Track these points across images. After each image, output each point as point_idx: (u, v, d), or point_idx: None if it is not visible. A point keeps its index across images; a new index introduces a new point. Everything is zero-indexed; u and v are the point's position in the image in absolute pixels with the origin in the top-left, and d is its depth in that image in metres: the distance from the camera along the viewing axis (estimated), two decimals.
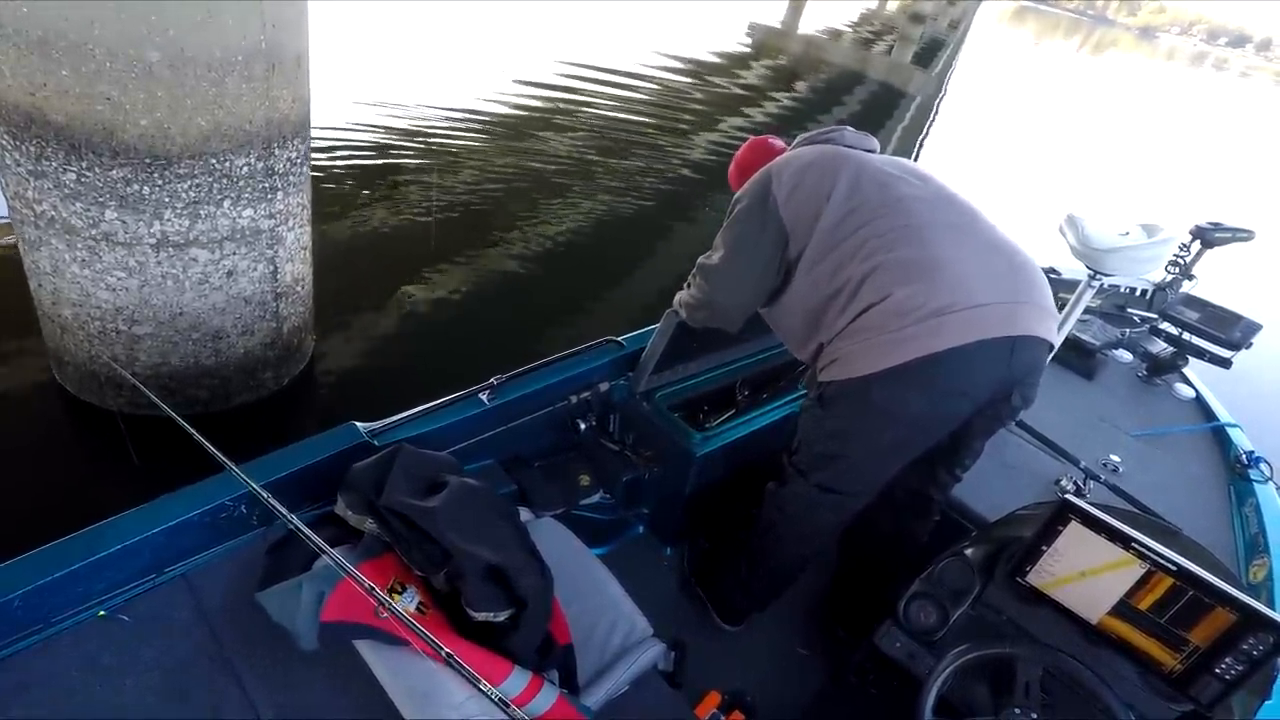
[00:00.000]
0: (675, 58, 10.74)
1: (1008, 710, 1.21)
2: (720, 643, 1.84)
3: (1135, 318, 3.04)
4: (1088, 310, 2.82)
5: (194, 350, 2.49)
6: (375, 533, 1.34)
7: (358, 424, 1.60)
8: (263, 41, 2.12)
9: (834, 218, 1.45)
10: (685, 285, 1.74)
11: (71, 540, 1.26)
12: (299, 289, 2.73)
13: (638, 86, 8.94)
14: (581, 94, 8.07)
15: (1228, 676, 1.14)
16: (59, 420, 2.64)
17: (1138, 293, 3.08)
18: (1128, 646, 1.23)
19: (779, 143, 1.75)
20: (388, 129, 5.89)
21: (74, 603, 1.25)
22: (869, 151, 1.61)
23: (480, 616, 1.26)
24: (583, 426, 2.01)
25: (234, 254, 2.38)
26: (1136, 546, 1.19)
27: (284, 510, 1.18)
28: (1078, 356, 2.64)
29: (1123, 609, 1.22)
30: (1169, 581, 1.17)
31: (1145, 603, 1.19)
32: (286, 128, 2.35)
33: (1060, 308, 2.16)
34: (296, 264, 2.65)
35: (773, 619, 1.87)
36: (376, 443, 1.57)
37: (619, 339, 2.05)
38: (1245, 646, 1.11)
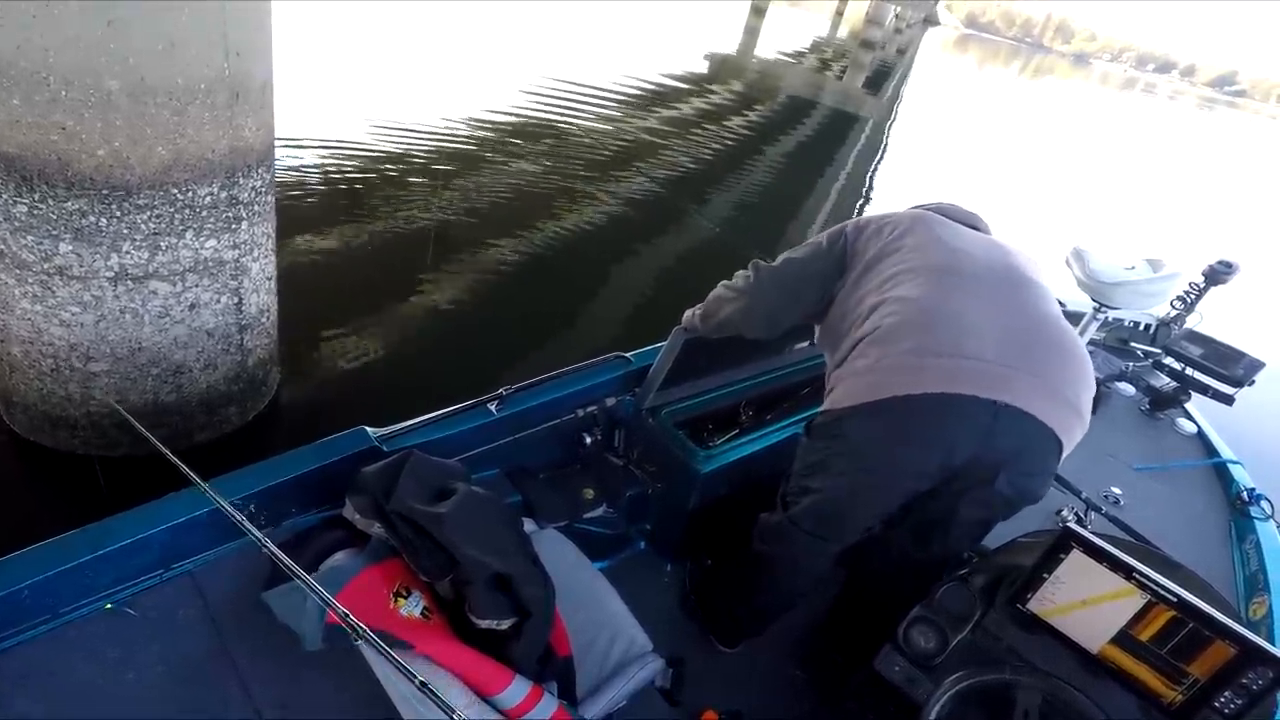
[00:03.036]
0: (633, 85, 10.89)
1: None
2: (718, 661, 1.83)
3: (1139, 352, 3.08)
4: (1091, 343, 2.86)
5: (154, 387, 2.39)
6: (383, 537, 1.35)
7: (368, 429, 1.62)
8: (226, 69, 2.06)
9: (880, 250, 1.48)
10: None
11: (80, 533, 1.27)
12: (264, 320, 2.66)
13: (599, 110, 9.07)
14: (546, 117, 8.12)
15: (1227, 710, 1.14)
16: (5, 463, 2.47)
17: (1141, 327, 3.12)
18: (1127, 677, 1.23)
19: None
20: (357, 150, 5.83)
21: (81, 595, 1.27)
22: (970, 226, 1.60)
23: (484, 624, 1.27)
24: (588, 440, 2.02)
25: (196, 286, 2.30)
26: (1138, 577, 1.19)
27: (253, 529, 1.17)
28: None
29: (1123, 639, 1.23)
30: (1169, 613, 1.17)
31: (1146, 634, 1.20)
32: (251, 156, 2.29)
33: None
34: (262, 295, 2.59)
35: (771, 640, 1.87)
36: (385, 448, 1.59)
37: (627, 355, 2.07)
38: (1245, 680, 1.12)
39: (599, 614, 1.53)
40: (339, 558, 1.35)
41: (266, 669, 1.23)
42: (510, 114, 7.81)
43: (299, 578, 1.08)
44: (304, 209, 4.64)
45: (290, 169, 5.05)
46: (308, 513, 1.54)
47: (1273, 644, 1.58)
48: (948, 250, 1.44)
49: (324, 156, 5.47)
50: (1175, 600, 1.17)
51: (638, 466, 2.04)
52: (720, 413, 2.14)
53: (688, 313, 1.83)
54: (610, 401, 2.03)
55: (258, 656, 1.24)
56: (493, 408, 1.81)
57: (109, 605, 1.28)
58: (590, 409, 2.01)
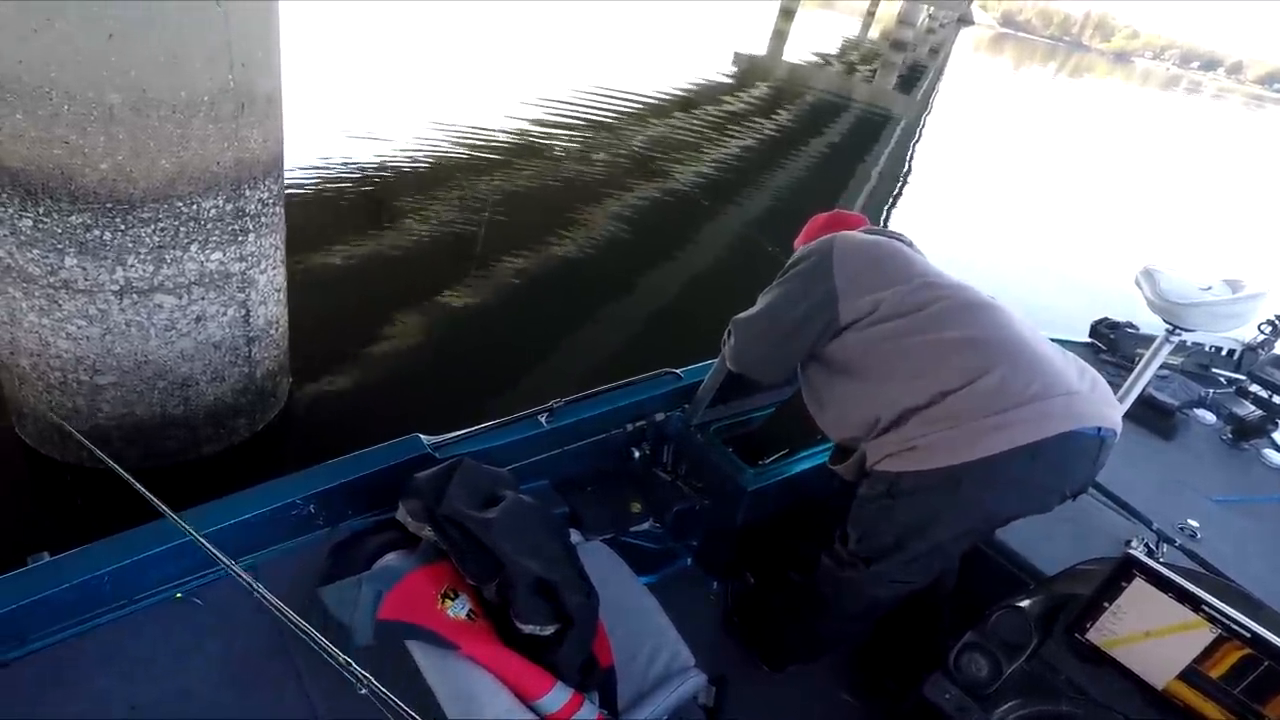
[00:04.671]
0: (662, 88, 10.99)
1: None
2: (763, 683, 1.81)
3: (1221, 378, 2.91)
4: (1168, 368, 2.75)
5: (160, 400, 2.40)
6: (432, 540, 1.40)
7: (421, 436, 1.67)
8: (231, 81, 2.06)
9: (906, 290, 1.42)
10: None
11: (155, 526, 1.34)
12: (273, 332, 2.66)
13: (627, 114, 9.14)
14: (567, 122, 8.18)
15: None
16: (18, 475, 2.50)
17: (1224, 352, 2.95)
18: (1196, 716, 1.17)
19: (855, 216, 1.75)
20: (379, 156, 5.85)
21: (155, 584, 1.36)
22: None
23: (527, 629, 1.30)
24: (636, 454, 2.04)
25: (203, 299, 2.30)
26: (1206, 609, 1.13)
27: (225, 559, 1.21)
28: (1156, 415, 2.53)
29: (1191, 675, 1.16)
30: (1243, 650, 1.11)
31: (1216, 671, 1.14)
32: (257, 168, 2.28)
33: (1136, 363, 2.14)
34: (270, 306, 2.59)
35: (818, 664, 1.84)
36: (438, 455, 1.64)
37: (677, 370, 2.09)
38: None
39: (642, 627, 1.53)
40: (391, 558, 1.40)
41: (319, 660, 1.25)
42: (537, 118, 7.93)
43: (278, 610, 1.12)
44: (321, 218, 4.66)
45: (307, 177, 5.09)
46: (364, 514, 1.60)
47: None
48: (953, 282, 1.46)
49: (343, 164, 5.52)
50: (1249, 635, 1.10)
51: (685, 482, 2.04)
52: (770, 431, 2.12)
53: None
54: (660, 417, 2.04)
55: (311, 648, 1.26)
56: (543, 419, 1.84)
57: (179, 595, 1.36)
58: (640, 423, 2.03)
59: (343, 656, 1.05)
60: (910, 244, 1.62)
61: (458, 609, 1.31)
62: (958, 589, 1.76)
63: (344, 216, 4.77)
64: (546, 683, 1.24)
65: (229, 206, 2.23)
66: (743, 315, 1.61)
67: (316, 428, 2.96)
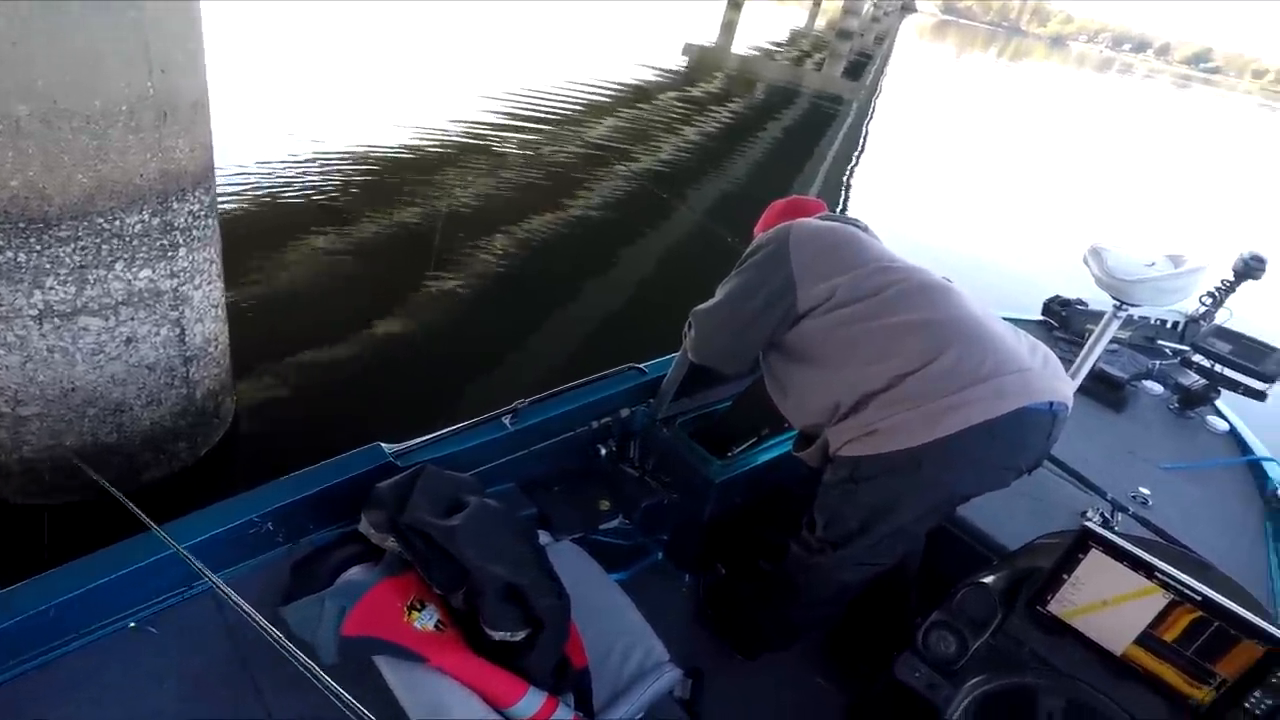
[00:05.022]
0: (613, 84, 10.96)
1: None
2: (738, 672, 1.82)
3: (1166, 350, 3.03)
4: (1117, 342, 2.83)
5: (91, 428, 2.26)
6: (397, 551, 1.38)
7: (383, 445, 1.64)
8: (150, 88, 1.93)
9: (863, 274, 1.44)
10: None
11: (105, 554, 1.30)
12: (212, 350, 2.53)
13: (570, 108, 9.08)
14: (519, 119, 8.10)
15: (1258, 711, 1.12)
16: None
17: (1169, 324, 3.07)
18: (1153, 678, 1.21)
19: (813, 201, 1.75)
20: (319, 162, 5.62)
21: (107, 614, 1.30)
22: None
23: (498, 636, 1.29)
24: (603, 452, 2.03)
25: (132, 319, 2.17)
26: (1160, 576, 1.17)
27: (211, 574, 1.21)
28: (1107, 388, 2.62)
29: (1147, 640, 1.20)
30: (1194, 612, 1.15)
31: (1170, 634, 1.18)
32: (185, 179, 2.16)
33: (1087, 338, 2.20)
34: (208, 323, 2.46)
35: (791, 650, 1.86)
36: (400, 463, 1.61)
37: (640, 365, 2.08)
38: (1275, 679, 1.09)
39: (615, 625, 1.53)
40: (355, 572, 1.38)
41: (284, 681, 1.23)
42: (488, 116, 7.83)
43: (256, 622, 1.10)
44: (264, 226, 4.49)
45: (247, 184, 4.90)
46: (325, 528, 1.56)
47: None
48: (908, 265, 1.48)
49: (287, 169, 5.33)
50: (1199, 599, 1.14)
51: (653, 477, 2.03)
52: (736, 422, 2.13)
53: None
54: (625, 412, 2.03)
55: (276, 670, 1.24)
56: (507, 421, 1.82)
57: (132, 624, 1.31)
58: (604, 420, 2.01)
59: (314, 670, 1.03)
60: (865, 229, 1.64)
61: (425, 620, 1.29)
62: (924, 568, 1.79)
63: (290, 224, 4.60)
64: (519, 689, 1.23)
65: (156, 221, 2.10)
66: (702, 306, 1.61)
67: (267, 446, 2.84)
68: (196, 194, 2.24)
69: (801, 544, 1.58)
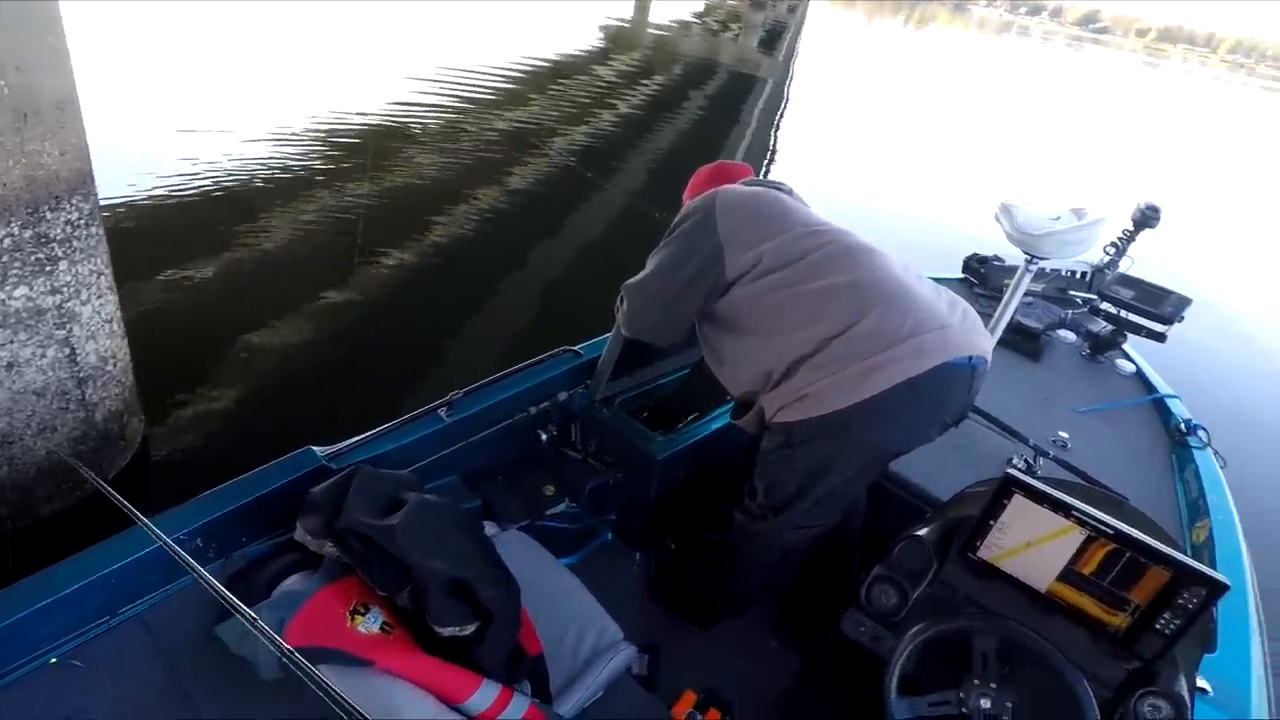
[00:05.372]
0: (529, 66, 10.76)
1: (968, 683, 1.26)
2: (694, 643, 1.85)
3: (1077, 299, 3.14)
4: (1031, 295, 2.93)
5: None
6: (336, 556, 1.34)
7: (314, 448, 1.59)
8: (4, 88, 1.79)
9: (788, 239, 1.45)
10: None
11: (17, 587, 1.22)
12: (110, 368, 2.36)
13: (486, 91, 8.88)
14: (435, 106, 7.87)
15: (1168, 631, 1.20)
16: None
17: (1078, 275, 3.18)
18: (1076, 611, 1.28)
19: (740, 166, 1.75)
20: (227, 159, 5.32)
21: (22, 653, 1.22)
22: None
23: (446, 632, 1.28)
24: (544, 437, 2.01)
25: (11, 342, 2.01)
26: (1076, 514, 1.24)
27: (194, 563, 1.14)
28: (1024, 340, 2.72)
29: (1068, 575, 1.27)
30: (1108, 546, 1.22)
31: (1088, 568, 1.25)
32: (58, 186, 1.99)
33: (1004, 293, 2.26)
34: (102, 340, 2.29)
35: (744, 616, 1.90)
36: (334, 466, 1.56)
37: (576, 348, 2.06)
38: (1181, 601, 1.17)
39: (566, 609, 1.54)
40: (293, 581, 1.33)
41: (225, 703, 1.20)
42: (401, 104, 7.55)
43: (239, 613, 1.06)
44: (168, 230, 4.22)
45: (146, 188, 4.55)
46: (259, 540, 1.49)
47: (1214, 565, 1.68)
48: (839, 230, 1.51)
49: (191, 168, 5.01)
50: (1112, 533, 1.22)
51: (596, 458, 2.03)
52: (678, 396, 2.15)
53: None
54: (563, 396, 2.02)
55: (216, 692, 1.21)
56: (443, 414, 1.78)
57: (53, 660, 1.23)
58: (543, 405, 2.00)
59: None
60: (790, 192, 1.65)
61: (370, 623, 1.27)
62: (865, 526, 1.85)
63: (198, 225, 4.35)
64: (472, 683, 1.22)
65: (27, 234, 1.94)
66: (633, 280, 1.61)
67: (185, 464, 2.69)
68: (74, 201, 2.07)
69: (744, 511, 1.62)
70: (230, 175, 5.10)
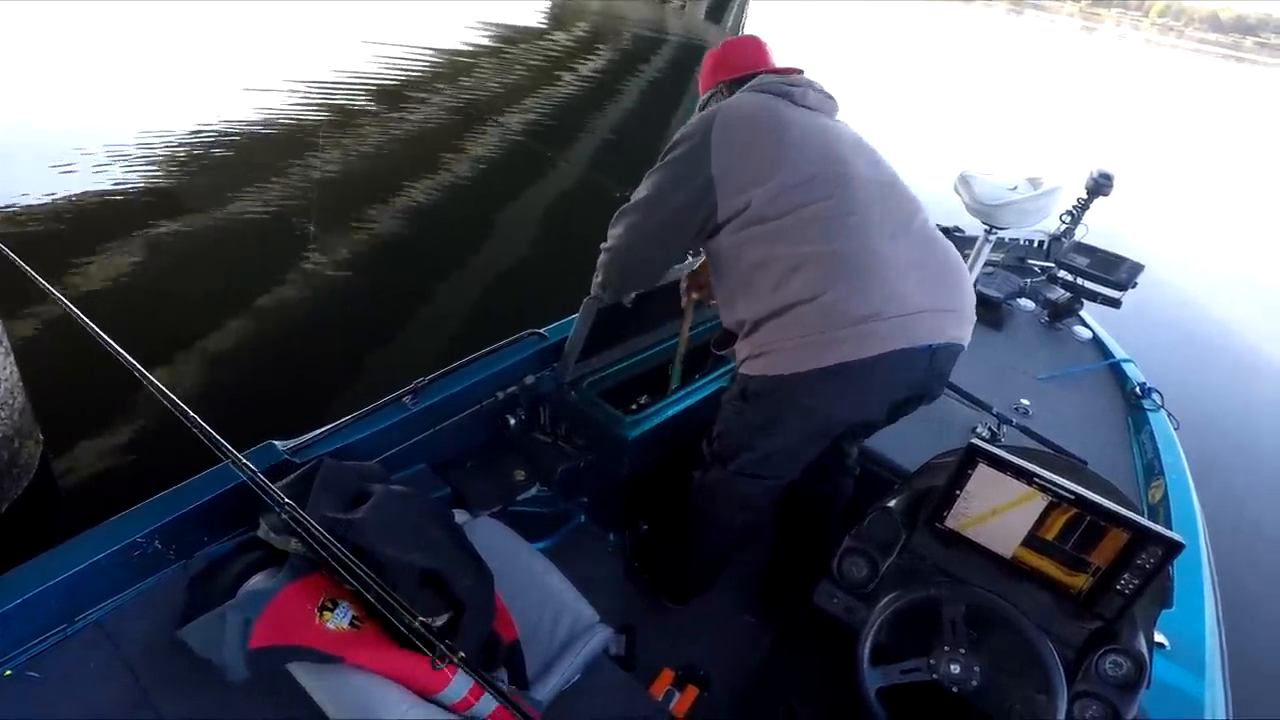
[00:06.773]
0: (475, 42, 10.55)
1: (938, 650, 1.29)
2: (671, 621, 1.87)
3: (1035, 268, 3.22)
4: (992, 264, 3.00)
5: None
6: (301, 551, 1.29)
7: (276, 442, 1.55)
8: None
9: (777, 187, 1.39)
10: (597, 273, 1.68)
11: None
12: None
13: (435, 71, 8.66)
14: (378, 88, 7.59)
15: (1127, 590, 1.23)
16: None
17: (1036, 244, 3.26)
18: (1040, 575, 1.31)
19: (752, 50, 1.66)
20: (155, 153, 5.09)
21: None
22: (829, 117, 1.56)
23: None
24: (513, 421, 1.99)
25: None
26: (1038, 481, 1.27)
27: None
28: (985, 309, 2.72)
29: (1032, 540, 1.31)
30: (1069, 510, 1.26)
31: (1051, 532, 1.28)
32: None
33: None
34: None
35: (720, 592, 1.92)
36: (298, 460, 1.52)
37: (541, 330, 2.04)
38: (1139, 561, 1.21)
39: (540, 594, 1.53)
40: (257, 579, 1.29)
41: (191, 708, 1.16)
42: (342, 87, 7.31)
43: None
44: (84, 231, 3.95)
45: (54, 191, 4.25)
46: (221, 539, 1.45)
47: (1170, 524, 1.74)
48: (846, 180, 1.41)
49: (109, 166, 4.73)
50: (1073, 498, 1.25)
51: (566, 441, 2.02)
52: (647, 376, 2.14)
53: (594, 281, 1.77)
54: (530, 379, 1.99)
55: (181, 697, 1.17)
56: (408, 402, 1.75)
57: (8, 672, 1.18)
58: (510, 389, 1.97)
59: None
60: (805, 92, 1.53)
61: (339, 619, 1.23)
62: (831, 494, 1.86)
63: (117, 222, 4.08)
64: (445, 674, 1.20)
65: None
66: (626, 204, 1.56)
67: (83, 490, 2.50)
68: None
69: (701, 467, 1.65)
70: (152, 166, 4.85)
